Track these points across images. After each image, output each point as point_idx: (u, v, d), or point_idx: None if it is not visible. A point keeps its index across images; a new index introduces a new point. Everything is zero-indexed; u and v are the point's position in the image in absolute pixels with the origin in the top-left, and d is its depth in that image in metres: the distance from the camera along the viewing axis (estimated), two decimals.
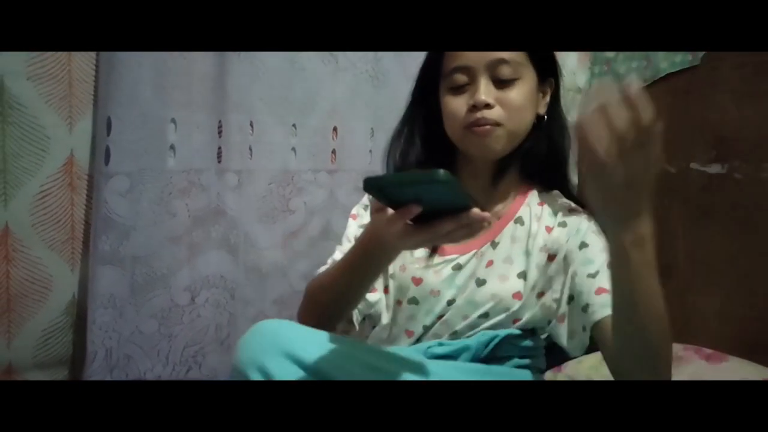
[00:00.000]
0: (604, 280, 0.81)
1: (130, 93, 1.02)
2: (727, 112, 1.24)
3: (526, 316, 0.86)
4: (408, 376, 0.71)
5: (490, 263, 0.87)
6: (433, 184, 0.57)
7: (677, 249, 1.32)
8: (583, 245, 0.85)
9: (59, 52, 0.99)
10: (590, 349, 0.84)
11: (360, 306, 0.88)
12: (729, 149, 1.24)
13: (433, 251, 0.89)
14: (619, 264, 0.64)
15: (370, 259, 0.75)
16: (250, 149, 1.19)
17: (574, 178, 0.98)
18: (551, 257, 0.86)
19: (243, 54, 1.14)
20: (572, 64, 1.47)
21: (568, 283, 0.83)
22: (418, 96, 0.93)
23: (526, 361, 0.87)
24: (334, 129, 1.29)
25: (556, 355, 0.97)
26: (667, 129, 1.50)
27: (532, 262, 0.86)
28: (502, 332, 0.85)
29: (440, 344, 0.85)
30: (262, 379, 0.67)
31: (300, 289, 1.27)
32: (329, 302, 0.82)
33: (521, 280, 0.86)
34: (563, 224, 0.88)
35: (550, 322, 0.87)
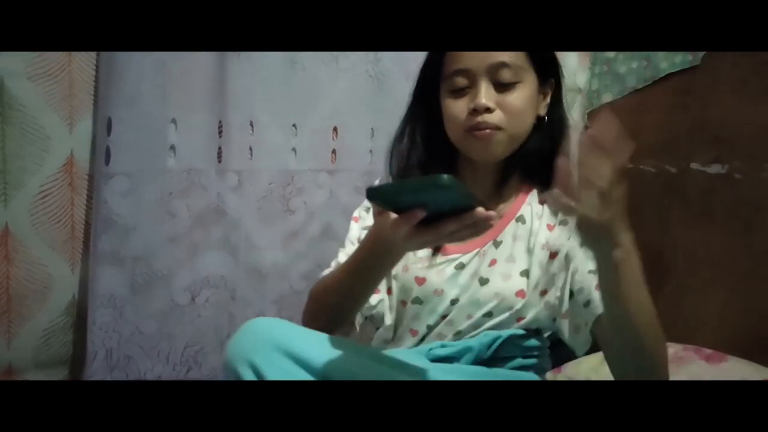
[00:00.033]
0: None
1: (130, 93, 1.02)
2: (727, 112, 1.24)
3: (530, 315, 0.86)
4: (401, 376, 0.71)
5: (493, 262, 0.87)
6: (436, 189, 0.57)
7: (677, 249, 1.32)
8: (583, 242, 0.86)
9: (59, 53, 0.99)
10: (590, 350, 0.84)
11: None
12: (729, 149, 1.24)
13: (436, 251, 0.89)
14: (609, 279, 0.66)
15: (374, 261, 0.75)
16: (251, 149, 1.19)
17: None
18: (553, 255, 0.86)
19: (243, 54, 1.14)
20: (572, 64, 1.47)
21: (570, 280, 0.83)
22: (418, 97, 0.94)
23: (530, 361, 0.87)
24: (335, 129, 1.29)
25: (557, 355, 0.97)
26: (667, 129, 1.51)
27: (535, 260, 0.86)
28: (505, 332, 0.85)
29: (443, 345, 0.85)
30: (253, 375, 0.67)
31: (300, 289, 1.27)
32: (334, 305, 0.82)
33: (524, 279, 0.86)
34: (564, 222, 0.88)
35: (554, 320, 0.87)
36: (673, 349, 1.20)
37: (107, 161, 1.02)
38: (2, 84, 0.94)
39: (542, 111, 0.90)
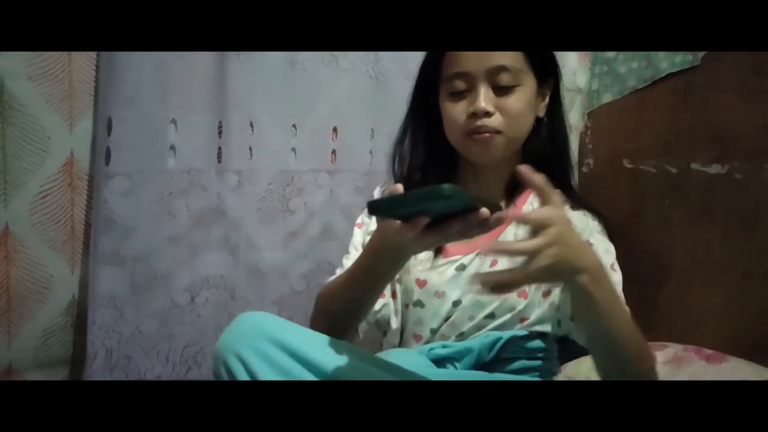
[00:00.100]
0: None
1: (130, 93, 1.02)
2: (727, 112, 1.24)
3: (533, 316, 0.86)
4: (386, 376, 0.70)
5: (494, 263, 0.87)
6: (438, 199, 0.56)
7: (677, 249, 1.31)
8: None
9: (59, 53, 0.99)
10: None
11: None
12: (729, 149, 1.24)
13: (437, 252, 0.89)
14: (582, 305, 0.66)
15: (379, 265, 0.74)
16: (250, 149, 1.19)
17: (575, 179, 0.98)
18: None
19: (243, 54, 1.14)
20: (572, 64, 1.47)
21: None
22: (417, 100, 0.94)
23: (534, 363, 0.87)
24: (334, 129, 1.29)
25: (561, 356, 0.96)
26: (667, 129, 1.51)
27: None
28: (507, 334, 0.84)
29: (444, 345, 0.85)
30: (240, 366, 0.67)
31: (300, 289, 1.28)
32: (340, 311, 0.82)
33: None
34: None
35: (560, 322, 0.87)
36: (673, 349, 1.20)
37: (107, 161, 1.02)
38: (2, 84, 0.94)
39: (541, 112, 0.90)
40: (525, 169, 0.62)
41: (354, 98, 1.29)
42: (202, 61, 1.10)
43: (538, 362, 0.87)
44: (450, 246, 0.88)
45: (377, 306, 0.89)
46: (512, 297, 0.85)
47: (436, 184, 0.55)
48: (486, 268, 0.86)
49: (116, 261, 1.04)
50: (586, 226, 0.87)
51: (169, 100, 1.08)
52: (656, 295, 1.35)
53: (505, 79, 0.84)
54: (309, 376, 0.67)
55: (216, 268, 1.17)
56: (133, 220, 1.05)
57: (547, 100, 0.91)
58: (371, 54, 1.29)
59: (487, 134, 0.84)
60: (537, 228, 0.59)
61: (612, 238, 0.90)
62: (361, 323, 0.88)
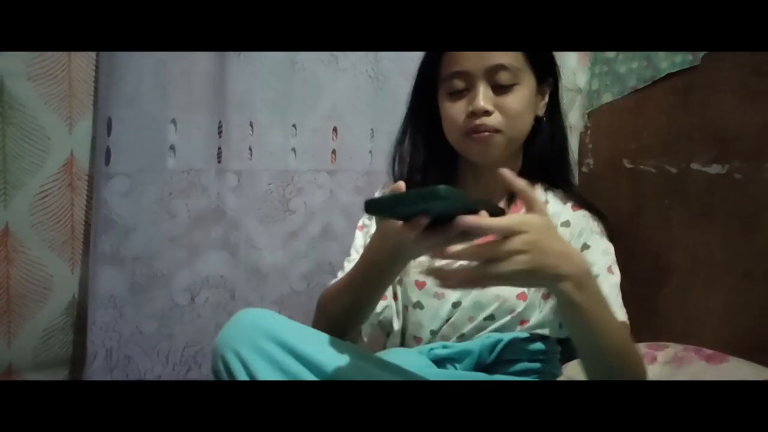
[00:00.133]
0: (603, 285, 0.80)
1: (130, 93, 1.02)
2: (727, 112, 1.24)
3: (533, 318, 0.85)
4: (384, 375, 0.69)
5: None
6: (435, 200, 0.56)
7: (677, 249, 1.31)
8: (585, 247, 0.85)
9: (59, 53, 0.99)
10: None
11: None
12: (729, 149, 1.24)
13: None
14: (567, 311, 0.65)
15: (380, 268, 0.74)
16: (250, 149, 1.19)
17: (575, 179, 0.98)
18: None
19: (243, 54, 1.14)
20: (572, 64, 1.47)
21: None
22: (416, 100, 0.93)
23: (536, 365, 0.86)
24: (334, 129, 1.29)
25: (563, 357, 0.96)
26: (667, 129, 1.51)
27: None
28: (507, 336, 0.84)
29: (444, 346, 0.85)
30: (238, 362, 0.68)
31: (299, 289, 1.28)
32: (341, 314, 0.81)
33: None
34: (566, 224, 0.88)
35: (561, 325, 0.86)
36: (673, 349, 1.20)
37: (107, 161, 1.02)
38: (2, 84, 0.94)
39: (540, 111, 0.90)
40: (506, 173, 0.61)
41: (354, 98, 1.29)
42: (202, 61, 1.11)
43: (540, 364, 0.86)
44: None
45: (379, 308, 0.89)
46: (511, 299, 0.85)
47: (432, 185, 0.55)
48: None
49: (116, 261, 1.04)
50: (585, 228, 0.87)
51: (169, 100, 1.08)
52: (656, 295, 1.35)
53: (504, 77, 0.83)
54: (306, 374, 0.67)
55: (216, 268, 1.17)
56: (133, 220, 1.05)
57: (546, 99, 0.91)
58: (371, 54, 1.29)
59: (487, 133, 0.84)
60: (506, 235, 0.57)
61: (612, 238, 0.90)
62: (364, 326, 0.88)
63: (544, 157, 0.91)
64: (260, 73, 1.17)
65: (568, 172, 0.95)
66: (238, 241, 1.18)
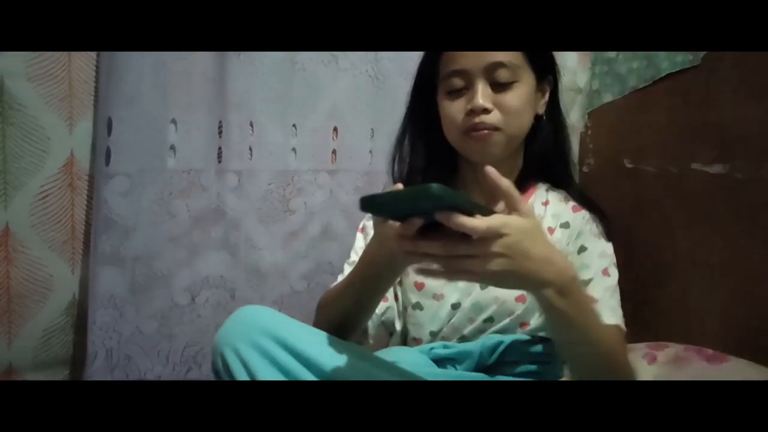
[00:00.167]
0: (596, 288, 0.81)
1: (130, 93, 1.02)
2: (728, 112, 1.24)
3: (533, 321, 0.85)
4: (382, 374, 0.69)
5: None
6: (428, 198, 0.55)
7: (678, 249, 1.31)
8: (582, 249, 0.85)
9: (59, 53, 0.99)
10: None
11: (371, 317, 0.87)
12: (730, 149, 1.24)
13: None
14: (548, 316, 0.65)
15: (377, 273, 0.74)
16: (250, 149, 1.19)
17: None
18: None
19: (243, 54, 1.14)
20: (573, 64, 1.47)
21: None
22: (416, 99, 0.93)
23: (538, 367, 0.86)
24: (335, 129, 1.29)
25: None
26: (667, 129, 1.50)
27: None
28: (508, 338, 0.84)
29: (445, 346, 0.85)
30: (237, 359, 0.68)
31: (300, 289, 1.28)
32: (341, 316, 0.81)
33: None
34: (566, 225, 0.87)
35: None
36: (673, 349, 1.20)
37: (107, 161, 1.02)
38: (2, 84, 0.94)
39: (540, 109, 0.89)
40: (490, 172, 0.60)
41: (354, 98, 1.29)
42: (202, 61, 1.11)
43: (542, 366, 0.86)
44: None
45: (382, 309, 0.89)
46: (510, 301, 0.84)
47: (425, 183, 0.54)
48: None
49: (116, 261, 1.04)
50: (583, 229, 0.86)
51: (169, 100, 1.08)
52: (657, 294, 1.35)
53: (502, 75, 0.82)
54: (304, 372, 0.67)
55: (216, 268, 1.17)
56: (133, 220, 1.05)
57: (546, 97, 0.90)
58: (371, 54, 1.29)
59: (486, 131, 0.83)
60: (487, 236, 0.56)
61: (612, 239, 0.89)
62: (369, 327, 0.88)
63: (545, 155, 0.90)
64: (260, 73, 1.17)
65: (570, 170, 0.94)
66: (239, 241, 1.18)
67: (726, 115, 1.24)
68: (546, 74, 0.89)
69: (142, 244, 1.06)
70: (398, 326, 0.91)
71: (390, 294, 0.91)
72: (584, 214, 0.88)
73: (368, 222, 0.95)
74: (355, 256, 0.92)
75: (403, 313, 0.91)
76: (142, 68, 1.03)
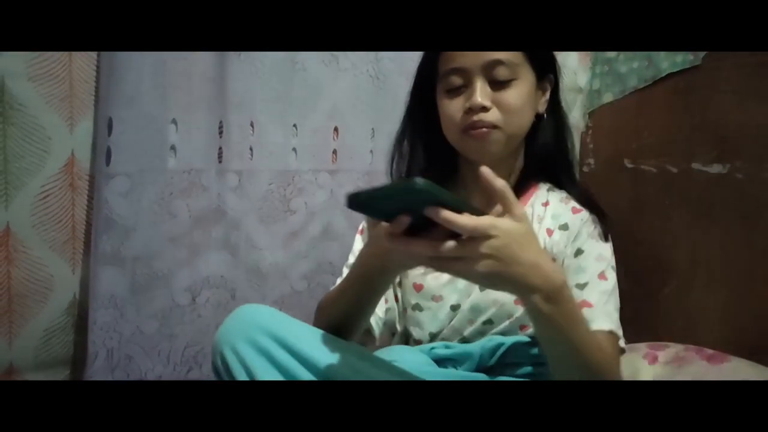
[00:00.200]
0: (592, 292, 0.80)
1: (131, 93, 1.02)
2: (728, 112, 1.24)
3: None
4: (382, 374, 0.69)
5: None
6: (413, 193, 0.53)
7: (678, 249, 1.31)
8: (578, 252, 0.83)
9: (60, 53, 0.99)
10: None
11: (375, 317, 0.87)
12: (730, 149, 1.24)
13: None
14: (535, 320, 0.65)
15: (372, 275, 0.73)
16: (251, 149, 1.19)
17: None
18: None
19: (244, 54, 1.14)
20: (573, 64, 1.47)
21: None
22: (415, 98, 0.92)
23: (540, 369, 0.85)
24: (335, 129, 1.29)
25: None
26: (668, 129, 1.50)
27: None
28: (509, 340, 0.83)
29: (446, 346, 0.84)
30: (234, 358, 0.68)
31: (300, 289, 1.28)
32: (339, 320, 0.79)
33: None
34: (564, 227, 0.86)
35: None
36: (674, 349, 1.20)
37: (108, 161, 1.02)
38: (3, 84, 0.94)
39: (541, 108, 0.88)
40: (485, 172, 0.59)
41: (354, 98, 1.30)
42: (202, 61, 1.11)
43: (543, 368, 0.85)
44: None
45: (382, 310, 0.89)
46: (509, 304, 0.84)
47: (410, 177, 0.53)
48: None
49: (117, 261, 1.04)
50: (581, 232, 0.85)
51: (170, 100, 1.08)
52: (657, 294, 1.35)
53: (501, 73, 0.82)
54: (302, 371, 0.67)
55: (216, 268, 1.17)
56: (133, 220, 1.05)
57: (547, 96, 0.89)
58: (372, 54, 1.29)
59: (484, 129, 0.82)
60: (475, 236, 0.56)
61: (612, 241, 0.88)
62: (374, 328, 0.88)
63: (546, 154, 0.89)
64: (261, 73, 1.17)
65: (572, 170, 0.93)
66: (239, 241, 1.19)
67: (726, 115, 1.24)
68: (546, 73, 0.88)
69: (142, 244, 1.06)
70: (399, 327, 0.91)
71: (390, 295, 0.91)
72: (583, 215, 0.86)
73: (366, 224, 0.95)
74: (353, 259, 0.92)
75: (403, 314, 0.91)
76: (143, 68, 1.03)
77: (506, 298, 0.83)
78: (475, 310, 0.85)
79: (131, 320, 1.07)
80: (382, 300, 0.90)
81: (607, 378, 0.71)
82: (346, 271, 0.90)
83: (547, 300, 0.61)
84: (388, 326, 0.91)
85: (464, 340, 0.86)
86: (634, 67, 1.41)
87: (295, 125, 1.24)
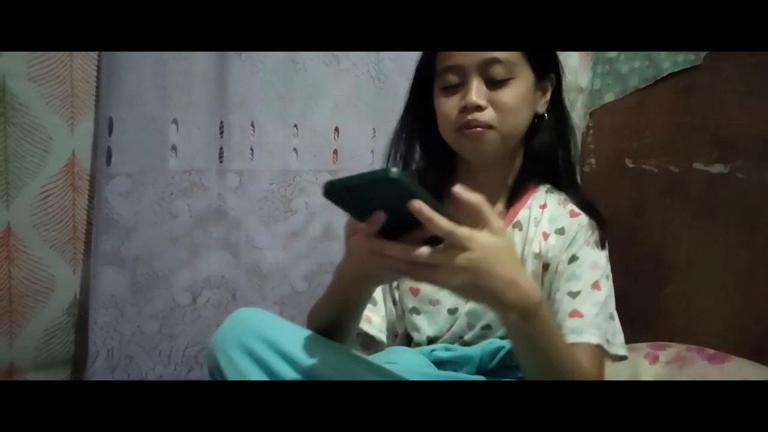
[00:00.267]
0: (583, 302, 0.78)
1: (131, 93, 1.02)
2: (729, 111, 1.24)
3: None
4: (374, 377, 0.69)
5: None
6: (388, 183, 0.51)
7: (679, 249, 1.31)
8: (573, 259, 0.81)
9: (61, 53, 0.99)
10: None
11: (375, 327, 0.87)
12: (731, 149, 1.24)
13: None
14: (510, 334, 0.65)
15: (350, 287, 0.70)
16: (252, 150, 1.19)
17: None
18: (545, 266, 0.83)
19: (244, 54, 1.14)
20: (574, 63, 1.47)
21: (551, 296, 0.80)
22: (414, 96, 0.91)
23: None
24: (336, 129, 1.29)
25: None
26: (669, 129, 1.50)
27: (528, 269, 0.83)
28: (509, 343, 0.83)
29: (447, 349, 0.84)
30: (228, 363, 0.68)
31: (301, 289, 1.28)
32: (327, 327, 0.76)
33: None
34: (560, 231, 0.84)
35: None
36: (675, 349, 1.19)
37: (108, 161, 1.02)
38: (4, 84, 0.94)
39: (540, 108, 0.86)
40: (459, 190, 0.57)
41: (355, 98, 1.30)
42: (203, 61, 1.11)
43: None
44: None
45: (379, 317, 0.89)
46: None
47: (386, 167, 0.51)
48: None
49: (117, 261, 1.04)
50: (577, 238, 0.82)
51: (170, 100, 1.08)
52: (658, 294, 1.35)
53: (498, 72, 0.80)
54: (295, 376, 0.67)
55: (217, 268, 1.17)
56: (134, 220, 1.05)
57: (548, 96, 0.87)
58: (372, 54, 1.29)
59: (479, 129, 0.80)
60: (450, 243, 0.55)
61: (610, 246, 0.86)
62: (376, 334, 0.87)
63: (545, 156, 0.88)
64: (261, 73, 1.17)
65: (573, 172, 0.91)
66: (240, 241, 1.19)
67: (727, 115, 1.24)
68: (547, 72, 0.86)
69: (143, 244, 1.06)
70: (399, 330, 0.91)
71: (388, 299, 0.90)
72: (580, 219, 0.84)
73: None
74: None
75: (401, 317, 0.91)
76: (143, 68, 1.03)
77: None
78: (473, 314, 0.84)
79: (132, 320, 1.07)
80: (381, 308, 0.90)
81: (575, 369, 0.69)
82: None
83: (522, 317, 0.60)
84: (391, 330, 0.91)
85: (465, 344, 0.85)
86: (635, 67, 1.41)
87: (295, 125, 1.24)
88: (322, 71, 1.24)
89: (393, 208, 0.55)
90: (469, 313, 0.85)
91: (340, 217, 1.30)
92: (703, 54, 1.28)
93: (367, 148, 1.33)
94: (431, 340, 0.87)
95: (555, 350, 0.65)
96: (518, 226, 0.86)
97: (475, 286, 0.56)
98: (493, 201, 0.88)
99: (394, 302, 0.91)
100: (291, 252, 1.25)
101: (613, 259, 0.85)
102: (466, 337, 0.85)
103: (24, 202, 0.98)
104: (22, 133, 0.97)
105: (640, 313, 1.29)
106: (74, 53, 1.01)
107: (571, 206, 0.86)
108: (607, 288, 0.81)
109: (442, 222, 0.54)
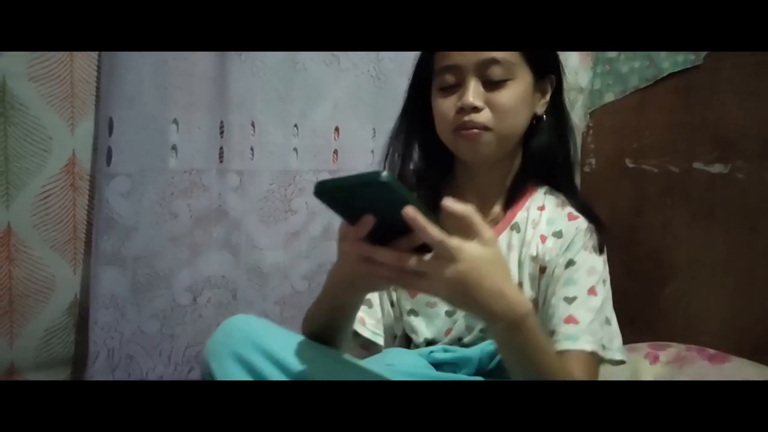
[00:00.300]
0: (579, 308, 0.77)
1: (131, 93, 1.02)
2: (729, 111, 1.24)
3: None
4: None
5: None
6: (378, 186, 0.51)
7: (679, 248, 1.31)
8: (570, 263, 0.80)
9: (61, 53, 0.99)
10: None
11: (371, 332, 0.88)
12: (731, 149, 1.24)
13: None
14: (497, 344, 0.65)
15: (340, 294, 0.71)
16: (252, 149, 1.19)
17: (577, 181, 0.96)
18: (543, 269, 0.82)
19: (244, 54, 1.14)
20: (574, 63, 1.47)
21: (545, 302, 0.80)
22: (412, 96, 0.90)
23: None
24: (336, 129, 1.29)
25: None
26: (669, 129, 1.50)
27: (525, 272, 0.82)
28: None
29: (445, 350, 0.84)
30: (220, 371, 0.68)
31: (301, 289, 1.28)
32: (318, 332, 0.76)
33: None
34: (558, 234, 0.83)
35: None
36: (676, 349, 1.20)
37: (109, 161, 1.02)
38: (4, 84, 0.94)
39: (539, 110, 0.85)
40: (448, 204, 0.57)
41: (355, 98, 1.30)
42: (203, 61, 1.11)
43: None
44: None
45: (375, 320, 0.89)
46: None
47: (377, 171, 0.50)
48: None
49: (118, 261, 1.04)
50: (575, 242, 0.81)
51: (171, 100, 1.08)
52: (658, 294, 1.35)
53: (496, 72, 0.79)
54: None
55: (217, 268, 1.17)
56: (134, 220, 1.05)
57: (547, 97, 0.86)
58: (372, 54, 1.29)
59: (475, 130, 0.79)
60: (438, 252, 0.54)
61: (609, 250, 0.86)
62: (373, 338, 0.88)
63: (543, 157, 0.87)
64: (262, 73, 1.17)
65: (572, 174, 0.90)
66: (240, 241, 1.19)
67: (727, 115, 1.24)
68: (546, 73, 0.85)
69: (143, 244, 1.06)
70: (398, 331, 0.91)
71: (386, 302, 0.90)
72: (578, 223, 0.83)
73: None
74: None
75: (399, 319, 0.90)
76: (144, 68, 1.03)
77: None
78: (470, 317, 0.84)
79: (132, 320, 1.07)
80: (377, 309, 0.90)
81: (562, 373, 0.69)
82: None
83: (510, 328, 0.60)
84: (390, 332, 0.91)
85: (464, 346, 0.85)
86: (635, 67, 1.41)
87: (296, 125, 1.24)
88: (322, 71, 1.24)
89: (383, 213, 0.54)
90: (467, 316, 0.84)
91: (339, 218, 1.30)
92: (703, 54, 1.28)
93: (367, 148, 1.33)
94: (429, 342, 0.87)
95: (543, 360, 0.65)
96: (516, 228, 0.85)
97: (463, 296, 0.57)
98: (490, 202, 0.88)
99: (392, 304, 0.91)
100: (291, 252, 1.25)
101: (613, 259, 0.84)
102: (465, 340, 0.85)
103: (24, 202, 0.98)
104: (23, 133, 0.97)
105: (640, 313, 1.29)
106: (74, 53, 1.01)
107: (569, 208, 0.85)
108: (604, 293, 0.80)
109: (432, 232, 0.54)
